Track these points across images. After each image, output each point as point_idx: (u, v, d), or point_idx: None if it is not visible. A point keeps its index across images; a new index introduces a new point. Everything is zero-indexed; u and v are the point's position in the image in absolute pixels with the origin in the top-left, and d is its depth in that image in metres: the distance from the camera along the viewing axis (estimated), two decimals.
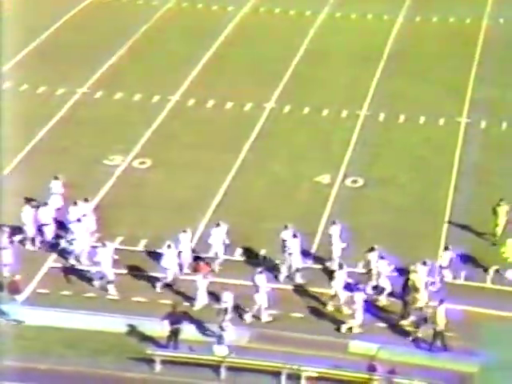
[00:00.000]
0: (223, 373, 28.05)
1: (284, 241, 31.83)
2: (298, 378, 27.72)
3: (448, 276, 31.41)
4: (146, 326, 29.43)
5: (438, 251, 32.01)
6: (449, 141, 39.70)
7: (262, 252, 32.73)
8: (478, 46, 47.03)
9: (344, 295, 30.24)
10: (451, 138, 39.82)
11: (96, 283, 31.25)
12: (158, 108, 42.02)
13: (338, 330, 29.48)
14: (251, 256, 32.64)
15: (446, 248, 31.58)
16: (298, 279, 31.58)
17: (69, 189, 34.41)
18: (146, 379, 27.92)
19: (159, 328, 28.82)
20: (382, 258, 30.80)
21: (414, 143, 39.74)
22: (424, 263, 30.32)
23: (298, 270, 31.60)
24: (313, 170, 37.65)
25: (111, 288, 30.97)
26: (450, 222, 34.35)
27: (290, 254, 31.55)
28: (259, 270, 30.41)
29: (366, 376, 27.48)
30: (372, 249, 31.24)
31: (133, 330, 29.47)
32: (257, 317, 29.91)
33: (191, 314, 29.88)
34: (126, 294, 30.80)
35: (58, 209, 33.75)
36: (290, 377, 27.78)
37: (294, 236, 31.74)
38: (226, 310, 29.12)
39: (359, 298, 29.49)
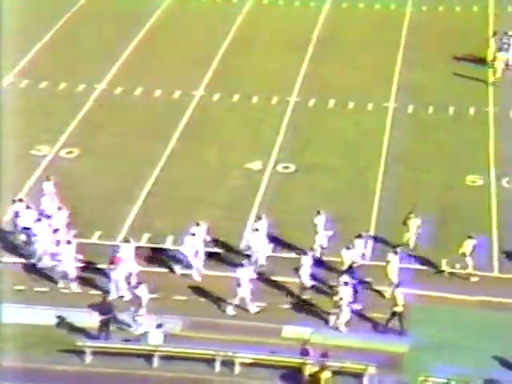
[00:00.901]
0: (156, 362, 27.81)
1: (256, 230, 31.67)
2: (232, 364, 27.66)
3: (470, 264, 31.07)
4: (76, 317, 29.04)
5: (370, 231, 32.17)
6: (377, 125, 39.92)
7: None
8: (403, 32, 47.35)
9: (309, 283, 30.24)
10: (380, 123, 40.04)
11: (60, 282, 30.66)
12: (84, 96, 41.33)
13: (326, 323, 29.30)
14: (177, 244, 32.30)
15: (469, 237, 31.06)
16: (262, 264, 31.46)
17: None
18: (77, 371, 27.51)
19: (90, 319, 28.47)
20: (347, 248, 30.87)
21: (343, 128, 39.88)
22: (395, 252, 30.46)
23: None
24: (244, 156, 37.50)
25: (74, 285, 30.48)
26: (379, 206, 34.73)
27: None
28: (241, 262, 30.09)
29: (300, 360, 27.52)
30: (359, 236, 31.26)
31: (62, 322, 29.03)
32: (244, 309, 29.72)
33: (120, 304, 29.57)
34: (54, 286, 30.41)
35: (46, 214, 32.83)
36: (224, 363, 27.71)
37: (256, 229, 31.52)
38: (140, 303, 28.80)
39: (346, 292, 29.14)
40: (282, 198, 35.35)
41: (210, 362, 27.68)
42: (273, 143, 38.49)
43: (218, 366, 27.68)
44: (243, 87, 42.37)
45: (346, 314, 29.06)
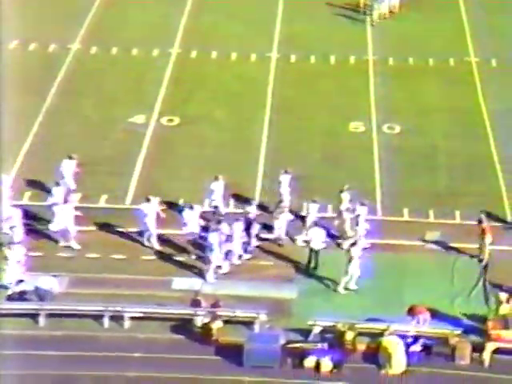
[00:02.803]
0: (42, 321, 27.09)
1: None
2: (122, 319, 27.19)
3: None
4: None
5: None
6: (261, 76, 39.70)
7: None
8: None
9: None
10: (263, 73, 39.85)
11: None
12: None
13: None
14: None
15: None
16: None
17: None
18: None
19: None
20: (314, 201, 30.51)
21: (226, 80, 39.48)
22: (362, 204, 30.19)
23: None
24: (126, 110, 36.74)
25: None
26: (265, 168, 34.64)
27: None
28: (213, 227, 29.36)
29: (190, 312, 27.30)
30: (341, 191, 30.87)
31: None
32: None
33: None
34: None
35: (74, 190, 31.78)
36: (113, 319, 27.20)
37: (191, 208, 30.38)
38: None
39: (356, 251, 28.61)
40: (168, 151, 34.87)
41: (98, 318, 27.18)
42: (155, 96, 37.82)
43: (106, 322, 27.21)
44: (121, 40, 41.38)
45: (215, 262, 28.97)
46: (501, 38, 42.14)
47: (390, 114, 37.15)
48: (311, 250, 29.40)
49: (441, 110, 37.58)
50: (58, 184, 31.08)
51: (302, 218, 30.81)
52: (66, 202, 30.34)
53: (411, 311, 26.85)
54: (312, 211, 30.53)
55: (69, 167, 32.13)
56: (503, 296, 27.00)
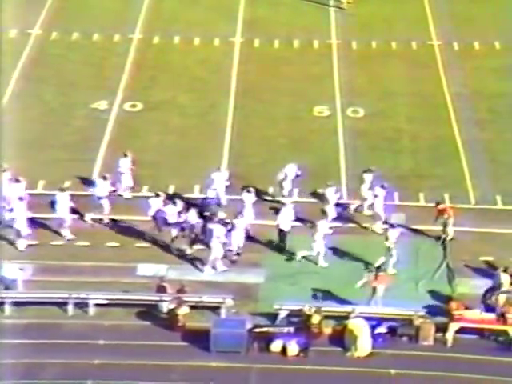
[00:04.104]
0: (7, 309, 26.79)
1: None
2: (87, 306, 27.01)
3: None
4: None
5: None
6: (225, 61, 39.53)
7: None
8: None
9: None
10: (227, 58, 39.67)
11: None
12: None
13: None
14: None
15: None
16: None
17: None
18: None
19: None
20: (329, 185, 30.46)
21: (190, 65, 39.26)
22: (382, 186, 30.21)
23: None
24: (88, 96, 36.43)
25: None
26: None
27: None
28: (216, 219, 29.06)
29: (156, 298, 27.16)
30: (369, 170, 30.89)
31: None
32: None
33: None
34: None
35: (132, 187, 31.52)
36: (78, 306, 27.01)
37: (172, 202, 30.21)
38: None
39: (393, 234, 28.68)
40: (131, 137, 34.60)
41: (63, 305, 26.94)
42: (118, 82, 37.50)
43: (71, 309, 26.99)
44: (82, 25, 40.94)
45: (217, 252, 28.74)
46: (462, 21, 42.28)
47: (354, 97, 37.17)
48: (280, 230, 29.40)
49: (404, 94, 37.66)
50: (104, 178, 30.71)
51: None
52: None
53: (374, 279, 27.11)
54: (330, 196, 30.39)
55: (125, 164, 31.63)
56: None
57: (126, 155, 31.82)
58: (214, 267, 28.74)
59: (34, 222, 29.63)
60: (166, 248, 29.40)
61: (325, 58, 39.93)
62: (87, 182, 31.52)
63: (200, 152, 33.60)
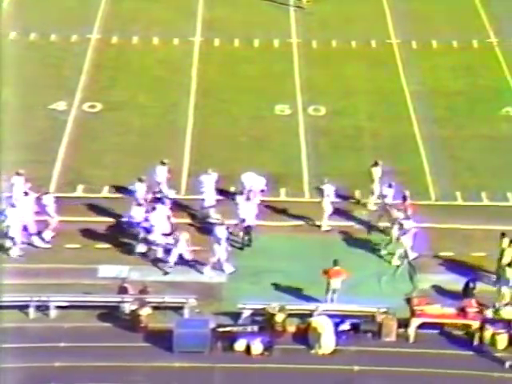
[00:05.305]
0: None
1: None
2: (48, 308, 26.72)
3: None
4: None
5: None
6: (184, 60, 39.35)
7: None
8: None
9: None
10: (187, 58, 39.49)
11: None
12: None
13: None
14: None
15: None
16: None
17: None
18: None
19: None
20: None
21: (150, 64, 39.01)
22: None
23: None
24: (47, 97, 36.09)
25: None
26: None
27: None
28: (220, 221, 28.69)
29: (118, 299, 26.94)
30: (376, 163, 30.92)
31: None
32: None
33: None
34: None
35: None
36: (39, 309, 26.73)
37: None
38: None
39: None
40: (91, 138, 34.37)
41: (24, 308, 26.61)
42: (76, 82, 37.23)
43: (32, 312, 26.70)
44: (39, 25, 40.51)
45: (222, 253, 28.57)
46: (420, 20, 42.54)
47: (316, 96, 37.21)
48: (246, 226, 29.35)
49: (364, 92, 37.78)
50: (141, 180, 30.26)
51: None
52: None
53: (327, 273, 27.16)
54: (329, 192, 30.29)
55: (162, 173, 31.10)
56: None
57: (163, 163, 31.21)
58: (214, 269, 28.53)
59: None
60: (127, 249, 29.20)
61: (285, 56, 39.94)
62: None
63: (161, 152, 33.26)
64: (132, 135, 34.53)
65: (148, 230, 28.95)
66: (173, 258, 28.46)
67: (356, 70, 39.22)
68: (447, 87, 38.09)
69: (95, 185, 31.63)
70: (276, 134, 35.11)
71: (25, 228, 29.13)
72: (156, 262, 28.79)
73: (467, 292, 27.30)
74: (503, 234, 28.35)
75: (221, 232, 28.40)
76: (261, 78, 38.40)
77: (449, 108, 36.83)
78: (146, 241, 28.99)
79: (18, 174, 30.41)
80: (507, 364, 25.48)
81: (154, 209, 29.03)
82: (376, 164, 31.26)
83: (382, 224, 30.16)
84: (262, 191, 30.79)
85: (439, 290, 27.87)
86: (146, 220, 28.91)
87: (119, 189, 31.40)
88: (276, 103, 36.71)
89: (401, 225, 29.10)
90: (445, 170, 33.27)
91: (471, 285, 27.43)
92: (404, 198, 29.97)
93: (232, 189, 31.50)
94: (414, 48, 40.81)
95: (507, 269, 27.50)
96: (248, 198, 29.80)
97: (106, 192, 31.48)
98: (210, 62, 39.42)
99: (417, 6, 43.61)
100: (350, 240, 29.99)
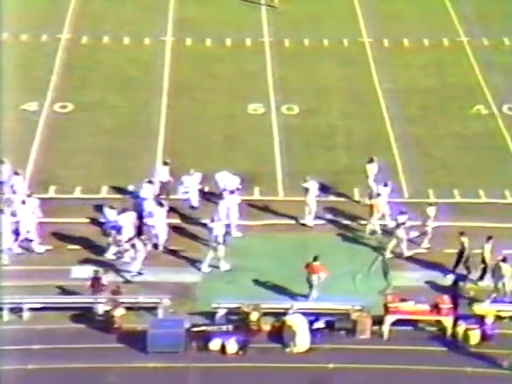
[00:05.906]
0: None
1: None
2: (21, 310, 26.45)
3: None
4: None
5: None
6: (156, 60, 39.21)
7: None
8: None
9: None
10: (158, 57, 39.35)
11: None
12: None
13: None
14: None
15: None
16: None
17: None
18: None
19: None
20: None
21: (121, 64, 38.88)
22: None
23: None
24: (18, 97, 35.77)
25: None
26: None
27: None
28: (216, 218, 28.52)
29: (90, 300, 26.72)
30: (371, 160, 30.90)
31: None
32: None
33: None
34: None
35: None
36: (12, 311, 26.43)
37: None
38: None
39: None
40: (63, 138, 34.14)
41: None
42: (47, 82, 37.01)
43: (6, 315, 26.43)
44: (10, 25, 39.96)
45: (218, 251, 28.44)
46: (391, 18, 42.72)
47: (289, 95, 37.20)
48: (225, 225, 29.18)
49: (337, 90, 37.83)
50: (150, 182, 30.11)
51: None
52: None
53: (308, 267, 27.16)
54: (313, 188, 30.20)
55: (164, 172, 30.88)
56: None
57: (166, 163, 31.05)
58: (211, 266, 28.48)
59: None
60: (100, 250, 29.02)
61: (258, 55, 39.93)
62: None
63: (133, 152, 33.25)
64: (104, 135, 34.35)
65: (119, 232, 28.81)
66: (135, 267, 28.27)
67: (328, 69, 39.27)
68: (419, 85, 38.24)
69: (67, 186, 31.43)
70: (249, 133, 35.08)
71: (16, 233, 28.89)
72: (129, 262, 28.63)
73: (456, 289, 27.28)
74: (462, 233, 28.49)
75: (217, 229, 28.33)
76: (233, 78, 38.37)
77: (421, 106, 36.96)
78: (118, 242, 28.86)
79: (16, 173, 30.31)
80: (505, 363, 25.56)
81: (123, 210, 28.91)
82: (371, 161, 31.29)
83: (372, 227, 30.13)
84: (238, 189, 30.78)
85: (413, 287, 27.89)
86: (116, 222, 28.81)
87: (91, 189, 31.26)
88: (249, 102, 36.66)
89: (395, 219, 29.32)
90: (418, 167, 33.41)
91: (461, 283, 27.53)
92: (370, 197, 30.14)
93: (206, 188, 31.40)
94: (386, 46, 40.95)
95: (502, 264, 27.51)
96: (222, 197, 29.78)
97: (78, 193, 31.29)
98: (181, 61, 39.32)
99: (388, 4, 43.79)
100: (325, 238, 29.97)
